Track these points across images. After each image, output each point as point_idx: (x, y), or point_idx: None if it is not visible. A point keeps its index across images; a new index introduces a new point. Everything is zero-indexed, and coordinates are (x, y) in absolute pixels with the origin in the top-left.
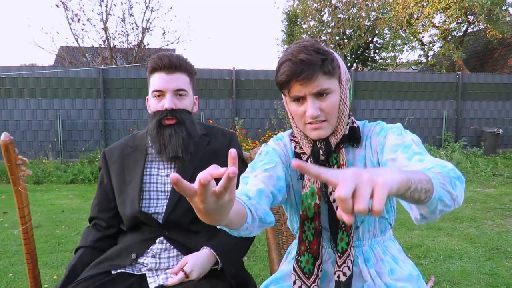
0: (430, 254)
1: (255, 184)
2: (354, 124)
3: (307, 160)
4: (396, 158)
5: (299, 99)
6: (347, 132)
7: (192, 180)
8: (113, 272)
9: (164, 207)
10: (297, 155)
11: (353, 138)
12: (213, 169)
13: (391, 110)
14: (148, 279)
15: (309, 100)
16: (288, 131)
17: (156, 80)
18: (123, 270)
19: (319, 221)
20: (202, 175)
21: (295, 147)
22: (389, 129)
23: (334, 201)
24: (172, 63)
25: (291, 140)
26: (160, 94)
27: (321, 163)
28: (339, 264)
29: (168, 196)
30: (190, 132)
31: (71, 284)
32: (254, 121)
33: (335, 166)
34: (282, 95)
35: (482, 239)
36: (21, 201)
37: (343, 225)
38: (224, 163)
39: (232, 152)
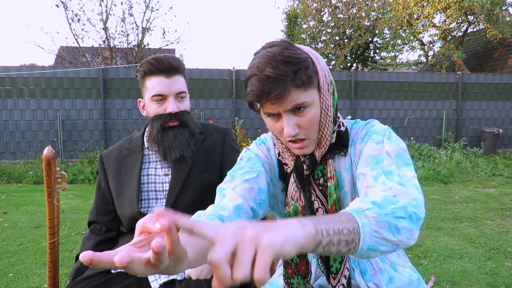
0: (430, 254)
1: (232, 199)
2: (341, 128)
3: (290, 174)
4: (366, 174)
5: (275, 115)
6: (333, 140)
7: (189, 177)
8: (112, 271)
9: (163, 207)
10: (281, 164)
11: (340, 144)
12: (149, 223)
13: (391, 110)
14: (149, 277)
15: (285, 118)
16: None
17: (156, 84)
18: (122, 270)
19: None
20: (119, 255)
21: (279, 154)
22: (373, 133)
23: None
24: (172, 66)
25: (274, 144)
26: (162, 98)
27: (305, 178)
28: (333, 284)
29: (167, 195)
30: (192, 132)
31: (70, 284)
32: (254, 121)
33: (321, 179)
34: None
35: (482, 239)
36: (53, 212)
37: None
38: (219, 159)
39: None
